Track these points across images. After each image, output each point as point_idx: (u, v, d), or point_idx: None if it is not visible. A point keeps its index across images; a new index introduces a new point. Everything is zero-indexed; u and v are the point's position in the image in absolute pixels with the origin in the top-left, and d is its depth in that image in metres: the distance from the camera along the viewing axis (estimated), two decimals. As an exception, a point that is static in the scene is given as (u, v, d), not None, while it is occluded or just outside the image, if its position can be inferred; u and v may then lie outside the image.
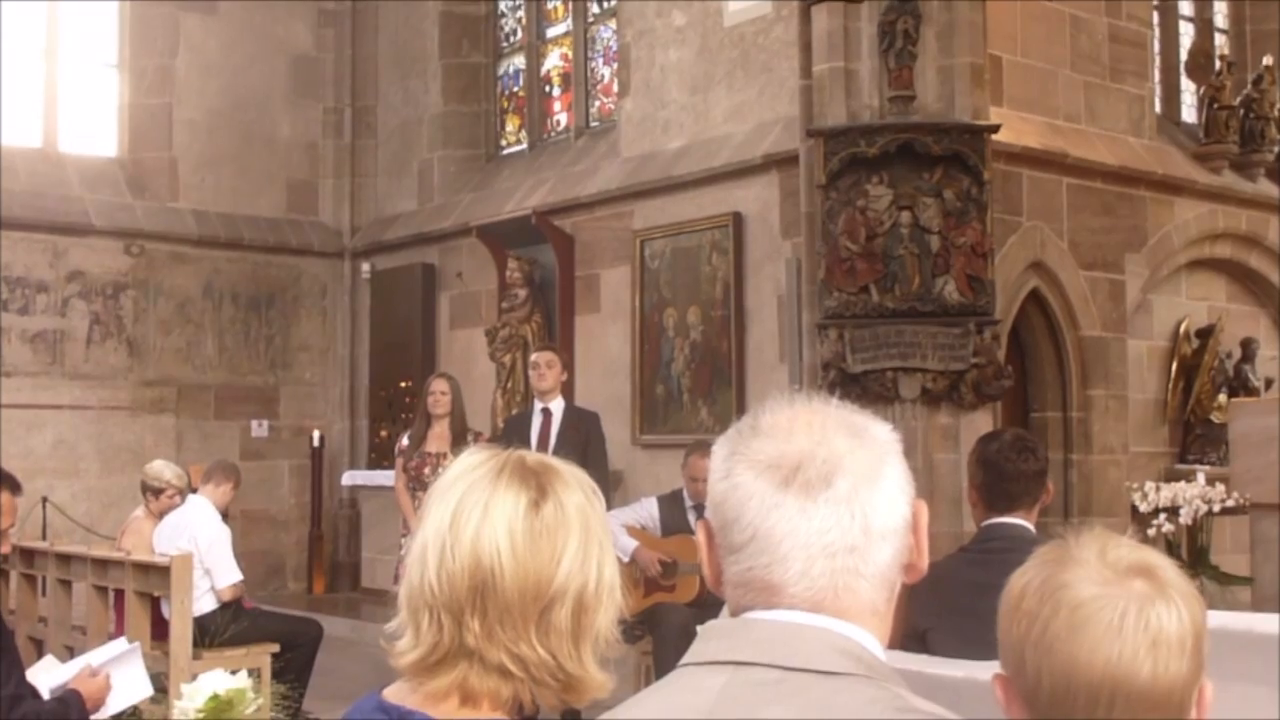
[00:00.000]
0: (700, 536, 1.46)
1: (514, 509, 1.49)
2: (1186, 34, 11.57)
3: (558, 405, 7.48)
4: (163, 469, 7.60)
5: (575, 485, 1.55)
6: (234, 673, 3.46)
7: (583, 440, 7.28)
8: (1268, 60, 10.96)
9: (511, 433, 7.62)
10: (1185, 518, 8.06)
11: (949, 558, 3.76)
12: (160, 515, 7.35)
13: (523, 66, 12.67)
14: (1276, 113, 10.96)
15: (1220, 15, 11.83)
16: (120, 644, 4.78)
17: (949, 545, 6.79)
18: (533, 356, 7.80)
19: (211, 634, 6.72)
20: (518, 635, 1.47)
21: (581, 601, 1.50)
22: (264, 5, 13.10)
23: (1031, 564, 1.52)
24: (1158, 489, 8.32)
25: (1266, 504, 6.54)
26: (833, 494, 1.36)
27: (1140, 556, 1.48)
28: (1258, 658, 2.85)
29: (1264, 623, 3.07)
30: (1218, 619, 3.03)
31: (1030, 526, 3.63)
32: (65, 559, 7.24)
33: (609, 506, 7.48)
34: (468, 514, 1.48)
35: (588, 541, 1.51)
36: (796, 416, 1.41)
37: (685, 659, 1.40)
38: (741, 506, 1.38)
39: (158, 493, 7.43)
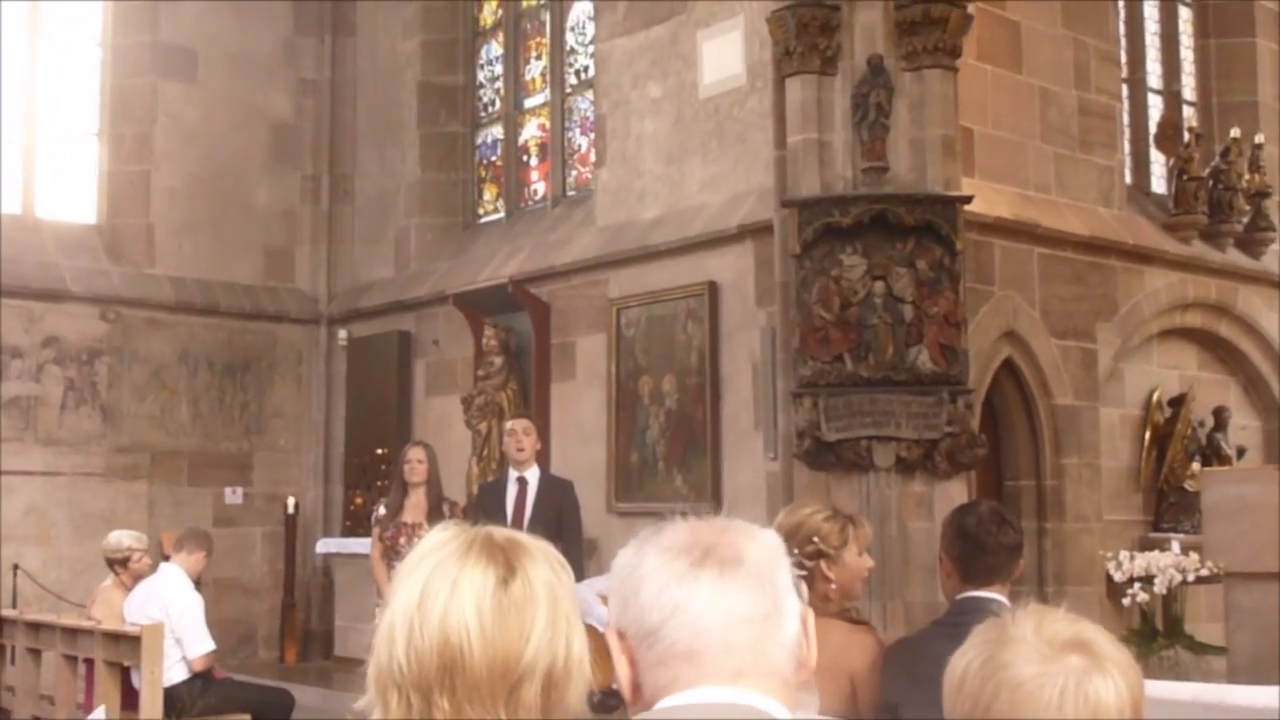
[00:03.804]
0: (612, 644, 1.52)
1: (482, 586, 1.50)
2: (1155, 106, 11.74)
3: (533, 474, 7.48)
4: (121, 537, 7.51)
5: (543, 560, 1.56)
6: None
7: (557, 508, 7.28)
8: (1235, 132, 11.13)
9: (486, 501, 7.59)
10: (1160, 587, 8.08)
11: (922, 631, 3.76)
12: (134, 581, 7.26)
13: (500, 136, 12.76)
14: (1244, 183, 11.13)
15: (1188, 88, 12.01)
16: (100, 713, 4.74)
17: (924, 615, 6.80)
18: (509, 424, 7.78)
19: (182, 706, 6.64)
20: (486, 713, 1.47)
21: (550, 678, 1.50)
22: (244, 74, 13.17)
23: (971, 644, 1.54)
24: (1132, 558, 8.34)
25: (1240, 573, 6.56)
26: (745, 570, 1.47)
27: (1076, 631, 1.51)
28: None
29: (1238, 694, 3.08)
30: (1191, 690, 3.04)
31: (1005, 600, 3.62)
32: (35, 627, 7.17)
33: (584, 575, 7.46)
34: (436, 592, 1.49)
35: (556, 617, 1.52)
36: (696, 526, 1.54)
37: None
38: (660, 588, 1.47)
39: (124, 561, 7.34)
